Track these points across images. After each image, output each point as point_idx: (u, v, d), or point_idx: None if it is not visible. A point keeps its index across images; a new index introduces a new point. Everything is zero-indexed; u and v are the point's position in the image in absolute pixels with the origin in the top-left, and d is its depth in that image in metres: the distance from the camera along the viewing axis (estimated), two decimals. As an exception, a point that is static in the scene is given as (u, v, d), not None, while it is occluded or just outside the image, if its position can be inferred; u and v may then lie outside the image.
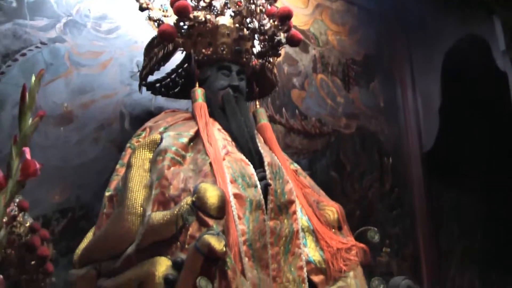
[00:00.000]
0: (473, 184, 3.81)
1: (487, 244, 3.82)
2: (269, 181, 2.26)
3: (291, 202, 2.32)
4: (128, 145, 2.42)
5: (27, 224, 1.98)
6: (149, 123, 2.49)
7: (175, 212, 1.97)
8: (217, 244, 1.87)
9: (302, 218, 2.34)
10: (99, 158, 2.66)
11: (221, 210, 2.01)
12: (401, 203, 3.66)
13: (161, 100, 2.87)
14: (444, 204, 3.80)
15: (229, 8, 2.55)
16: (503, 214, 3.82)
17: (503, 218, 3.80)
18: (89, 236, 2.29)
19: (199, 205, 1.98)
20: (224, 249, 1.89)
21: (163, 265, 1.93)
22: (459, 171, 3.80)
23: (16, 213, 1.50)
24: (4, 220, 1.40)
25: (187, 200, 1.99)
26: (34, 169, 1.25)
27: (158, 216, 2.00)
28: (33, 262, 1.96)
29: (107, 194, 2.27)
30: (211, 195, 1.99)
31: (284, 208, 2.29)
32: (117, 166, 2.36)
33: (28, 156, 1.28)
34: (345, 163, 3.48)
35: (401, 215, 3.62)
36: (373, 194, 3.54)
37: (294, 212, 2.31)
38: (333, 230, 2.39)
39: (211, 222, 1.98)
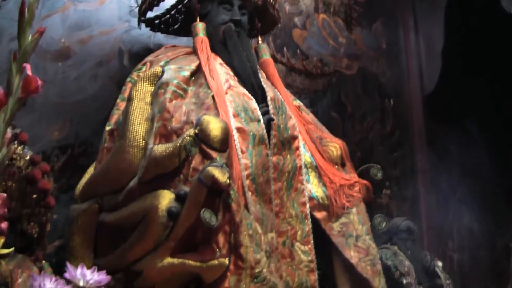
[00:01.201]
0: (474, 128, 3.78)
1: (487, 187, 3.81)
2: (272, 116, 2.22)
3: (294, 137, 2.29)
4: (128, 79, 2.37)
5: (27, 158, 1.95)
6: (149, 58, 2.43)
7: (178, 144, 1.94)
8: (221, 176, 1.85)
9: (305, 154, 2.31)
10: (98, 95, 2.62)
11: (225, 143, 1.98)
12: (401, 145, 3.64)
13: (160, 37, 2.80)
14: (444, 146, 3.78)
15: None
16: (504, 157, 3.80)
17: (505, 160, 3.79)
18: (90, 171, 2.27)
19: (202, 137, 1.95)
20: (228, 181, 1.87)
21: (166, 198, 1.91)
22: (461, 114, 3.77)
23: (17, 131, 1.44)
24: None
25: (189, 132, 1.96)
26: (36, 86, 1.20)
27: (160, 148, 1.97)
28: (34, 196, 1.93)
29: (107, 128, 2.23)
30: (214, 127, 1.95)
31: (287, 143, 2.26)
32: (118, 101, 2.32)
33: (29, 72, 1.23)
34: (346, 104, 3.44)
35: (401, 157, 3.61)
36: (374, 135, 3.51)
37: (297, 148, 2.29)
38: (336, 166, 2.37)
39: (214, 154, 1.96)
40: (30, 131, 2.17)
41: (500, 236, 3.83)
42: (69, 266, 1.13)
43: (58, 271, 2.01)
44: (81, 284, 1.10)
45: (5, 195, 1.31)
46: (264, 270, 1.91)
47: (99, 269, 2.04)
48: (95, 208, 2.10)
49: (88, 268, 2.06)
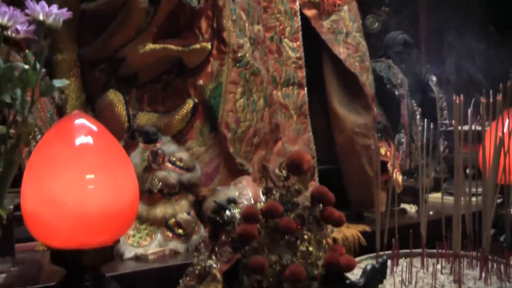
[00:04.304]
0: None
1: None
2: None
3: None
4: None
5: None
6: None
7: None
8: None
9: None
10: None
11: None
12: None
13: None
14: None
15: None
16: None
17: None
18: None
19: None
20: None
21: (147, -20, 1.84)
22: None
23: None
24: None
25: None
26: None
27: None
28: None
29: None
30: None
31: None
32: None
33: None
34: None
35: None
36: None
37: None
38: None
39: None
40: None
41: (499, 62, 3.77)
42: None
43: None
44: (41, 17, 1.06)
45: None
46: (247, 55, 1.88)
47: (83, 59, 2.08)
48: (76, -2, 2.02)
49: (72, 60, 2.11)
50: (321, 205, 1.12)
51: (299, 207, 1.10)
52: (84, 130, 1.29)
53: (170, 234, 1.68)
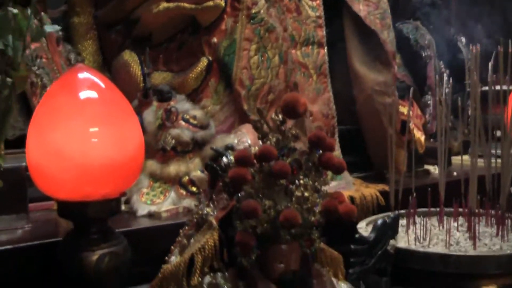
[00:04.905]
0: None
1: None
2: None
3: None
4: None
5: None
6: None
7: None
8: None
9: None
10: None
11: None
12: None
13: None
14: None
15: None
16: None
17: None
18: None
19: None
20: None
21: None
22: None
23: None
24: None
25: None
26: None
27: None
28: None
29: None
30: None
31: None
32: None
33: None
34: None
35: None
36: None
37: None
38: None
39: None
40: None
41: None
42: None
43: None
44: (35, -36, 1.05)
45: None
46: (262, 11, 1.84)
47: (99, 21, 2.08)
48: None
49: (89, 22, 2.10)
50: (320, 150, 1.09)
51: (295, 152, 1.08)
52: (88, 83, 1.28)
53: (183, 192, 1.68)
